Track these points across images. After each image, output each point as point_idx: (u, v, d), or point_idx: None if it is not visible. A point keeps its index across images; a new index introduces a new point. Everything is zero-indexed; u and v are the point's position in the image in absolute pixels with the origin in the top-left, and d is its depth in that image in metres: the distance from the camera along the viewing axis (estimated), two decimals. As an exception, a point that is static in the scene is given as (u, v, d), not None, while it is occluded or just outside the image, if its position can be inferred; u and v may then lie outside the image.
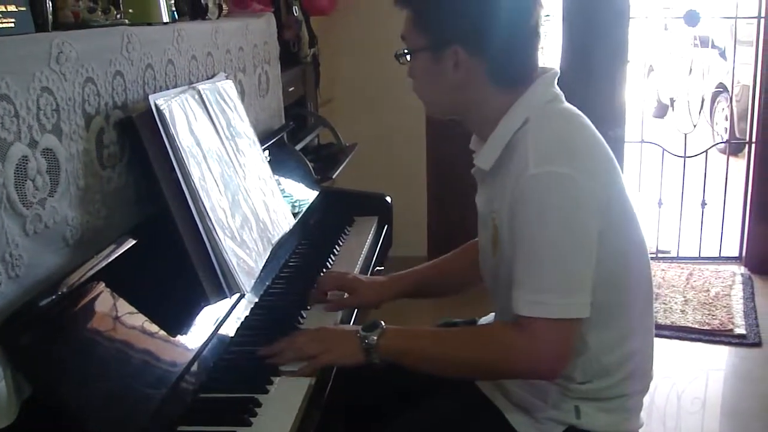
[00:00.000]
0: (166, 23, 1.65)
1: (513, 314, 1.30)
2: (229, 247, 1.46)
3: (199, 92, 1.63)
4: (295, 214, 2.01)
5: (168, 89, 1.56)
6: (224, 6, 2.08)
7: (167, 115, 1.41)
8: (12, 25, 1.18)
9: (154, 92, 1.49)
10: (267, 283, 1.76)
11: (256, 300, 1.67)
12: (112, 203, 1.36)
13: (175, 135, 1.41)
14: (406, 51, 1.42)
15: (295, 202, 2.14)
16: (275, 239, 1.75)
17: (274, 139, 2.25)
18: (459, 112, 1.45)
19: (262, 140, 2.05)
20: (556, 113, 1.38)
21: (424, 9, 1.37)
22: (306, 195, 2.27)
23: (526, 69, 1.39)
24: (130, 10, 1.54)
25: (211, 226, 1.42)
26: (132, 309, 1.26)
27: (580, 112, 1.41)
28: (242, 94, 2.10)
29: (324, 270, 1.93)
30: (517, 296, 1.30)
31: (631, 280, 1.42)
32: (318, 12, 3.34)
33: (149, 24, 1.58)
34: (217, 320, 1.45)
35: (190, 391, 1.30)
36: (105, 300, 1.21)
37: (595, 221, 1.28)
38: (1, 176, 1.07)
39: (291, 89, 2.84)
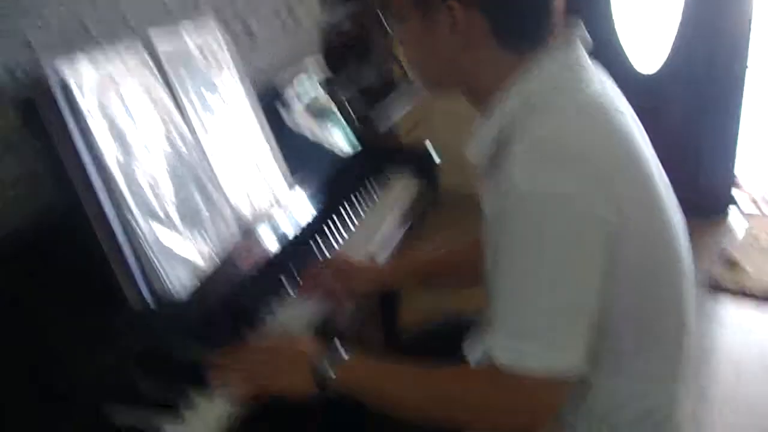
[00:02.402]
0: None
1: (488, 359, 1.03)
2: (161, 239, 1.23)
3: (150, 45, 1.37)
4: (307, 174, 1.74)
5: (109, 45, 1.31)
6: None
7: (81, 84, 1.17)
8: None
9: (88, 50, 1.24)
10: (241, 268, 1.49)
11: (221, 290, 1.41)
12: (8, 195, 1.16)
13: (84, 108, 1.16)
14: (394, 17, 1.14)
15: (316, 155, 1.87)
16: (256, 215, 1.50)
17: (299, 82, 1.96)
18: (461, 86, 1.15)
19: (280, 85, 1.77)
20: (567, 103, 1.04)
21: None
22: (328, 149, 1.97)
23: (538, 23, 1.07)
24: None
25: (130, 217, 1.18)
26: (29, 315, 1.08)
27: (607, 93, 1.07)
28: (249, 36, 1.82)
29: (328, 248, 1.66)
30: (493, 339, 1.02)
31: (656, 316, 1.10)
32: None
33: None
34: (148, 320, 1.22)
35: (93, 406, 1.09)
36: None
37: (599, 253, 0.98)
38: None
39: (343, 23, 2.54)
